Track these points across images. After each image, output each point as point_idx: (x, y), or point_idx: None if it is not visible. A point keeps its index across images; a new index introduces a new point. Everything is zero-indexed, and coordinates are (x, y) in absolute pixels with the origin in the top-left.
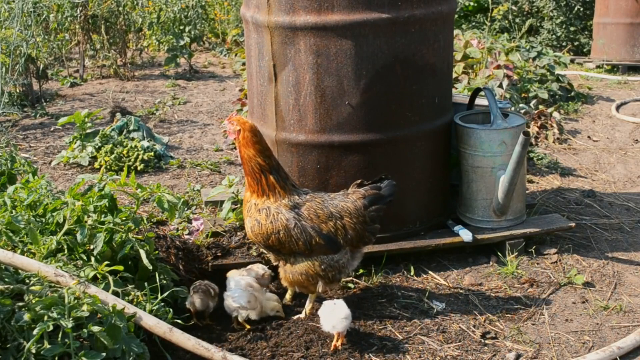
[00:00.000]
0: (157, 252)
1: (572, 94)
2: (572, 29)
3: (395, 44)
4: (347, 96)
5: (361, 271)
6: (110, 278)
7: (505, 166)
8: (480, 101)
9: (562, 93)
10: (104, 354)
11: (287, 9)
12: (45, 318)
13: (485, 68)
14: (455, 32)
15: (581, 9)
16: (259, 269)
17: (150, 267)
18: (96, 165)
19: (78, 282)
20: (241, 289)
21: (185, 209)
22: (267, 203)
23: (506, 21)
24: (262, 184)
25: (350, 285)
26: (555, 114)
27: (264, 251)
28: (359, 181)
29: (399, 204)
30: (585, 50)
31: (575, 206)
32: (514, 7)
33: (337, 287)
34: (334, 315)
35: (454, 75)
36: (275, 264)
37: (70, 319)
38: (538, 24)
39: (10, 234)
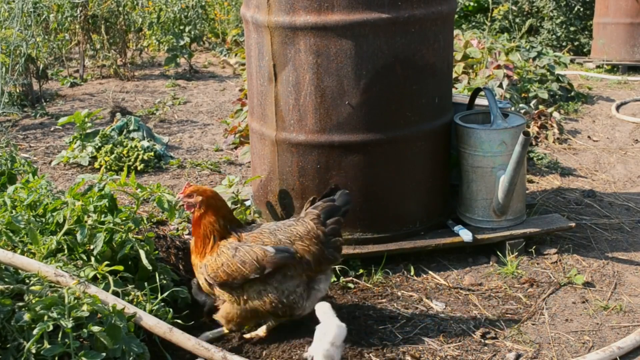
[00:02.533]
0: (157, 252)
1: (572, 94)
2: (572, 29)
3: (395, 44)
4: (347, 96)
5: (361, 271)
6: (110, 278)
7: (505, 166)
8: (480, 101)
9: (562, 93)
10: (104, 354)
11: (287, 9)
12: (45, 318)
13: (485, 68)
14: (455, 32)
15: (581, 9)
16: None
17: (150, 267)
18: (96, 165)
19: (78, 282)
20: None
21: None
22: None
23: (506, 21)
24: (207, 247)
25: (350, 285)
26: (555, 114)
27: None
28: (311, 198)
29: (399, 204)
30: (585, 50)
31: (575, 206)
32: (514, 7)
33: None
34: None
35: (454, 75)
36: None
37: (70, 319)
38: (538, 24)
39: (10, 234)
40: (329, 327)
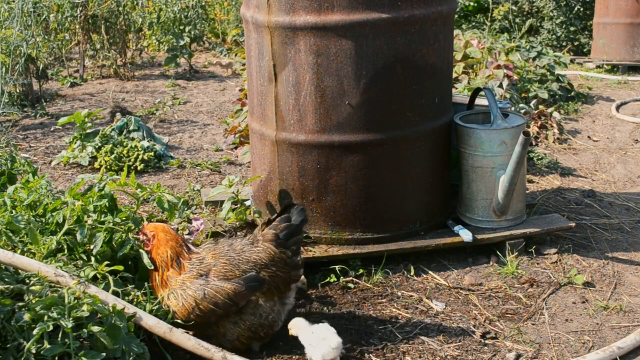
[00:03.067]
0: None
1: (572, 94)
2: (572, 29)
3: (395, 44)
4: (347, 96)
5: (361, 271)
6: (110, 278)
7: (505, 166)
8: (480, 101)
9: (562, 93)
10: (104, 354)
11: (287, 9)
12: (45, 318)
13: (485, 68)
14: (455, 32)
15: (581, 9)
16: None
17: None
18: (96, 165)
19: (78, 282)
20: None
21: (185, 209)
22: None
23: (506, 21)
24: (162, 277)
25: (350, 285)
26: (555, 114)
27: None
28: (265, 219)
29: (399, 204)
30: (585, 50)
31: (575, 206)
32: (514, 7)
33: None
34: (325, 344)
35: (454, 75)
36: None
37: (70, 319)
38: (538, 24)
39: (10, 234)
40: (329, 331)
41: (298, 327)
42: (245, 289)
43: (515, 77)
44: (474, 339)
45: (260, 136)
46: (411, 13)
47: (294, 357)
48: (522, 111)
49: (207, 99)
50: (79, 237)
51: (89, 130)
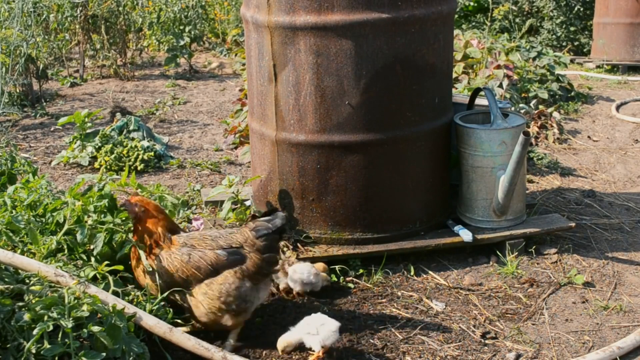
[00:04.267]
0: None
1: (572, 94)
2: (572, 29)
3: (395, 44)
4: (347, 96)
5: (361, 271)
6: (110, 278)
7: (505, 166)
8: (480, 101)
9: (562, 93)
10: (104, 354)
11: (287, 9)
12: (45, 318)
13: (485, 68)
14: (455, 32)
15: (581, 9)
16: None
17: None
18: (96, 165)
19: (78, 282)
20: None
21: (185, 209)
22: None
23: (506, 21)
24: (148, 253)
25: (350, 285)
26: (555, 114)
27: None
28: (251, 214)
29: (399, 204)
30: (585, 50)
31: (575, 206)
32: (514, 7)
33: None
34: (325, 329)
35: (454, 75)
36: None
37: (70, 319)
38: (538, 24)
39: (10, 234)
40: (325, 317)
41: (287, 335)
42: (226, 257)
43: (515, 77)
44: (474, 339)
45: (260, 136)
46: (411, 13)
47: (294, 357)
48: (522, 111)
49: (207, 99)
50: (79, 237)
51: (89, 130)
